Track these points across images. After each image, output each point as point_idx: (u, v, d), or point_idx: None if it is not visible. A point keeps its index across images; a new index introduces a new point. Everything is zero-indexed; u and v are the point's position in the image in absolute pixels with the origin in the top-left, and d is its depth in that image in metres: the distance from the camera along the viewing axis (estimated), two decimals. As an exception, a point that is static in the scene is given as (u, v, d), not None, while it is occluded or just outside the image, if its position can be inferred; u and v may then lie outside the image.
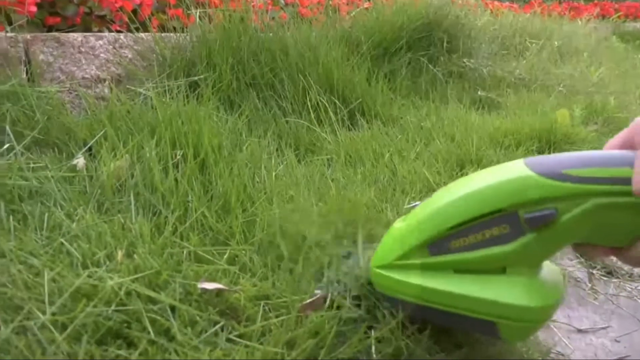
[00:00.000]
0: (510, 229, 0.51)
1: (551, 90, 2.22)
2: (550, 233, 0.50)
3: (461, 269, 0.55)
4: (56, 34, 1.23)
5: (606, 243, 0.51)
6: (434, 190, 1.13)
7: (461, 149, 1.34)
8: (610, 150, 0.50)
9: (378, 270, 0.60)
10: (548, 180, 0.49)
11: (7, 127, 0.82)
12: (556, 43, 2.74)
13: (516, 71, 2.34)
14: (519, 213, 0.50)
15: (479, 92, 2.06)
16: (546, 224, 0.49)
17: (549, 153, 1.46)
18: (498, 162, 1.29)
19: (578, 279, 1.01)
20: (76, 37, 1.25)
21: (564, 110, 1.62)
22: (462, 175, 1.20)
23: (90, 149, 0.96)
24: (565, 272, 1.00)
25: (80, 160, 0.89)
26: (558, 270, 0.62)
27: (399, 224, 0.61)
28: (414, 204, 0.61)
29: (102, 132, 0.96)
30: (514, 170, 0.51)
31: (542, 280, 0.55)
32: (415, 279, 0.57)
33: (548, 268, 0.59)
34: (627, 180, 0.45)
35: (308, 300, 0.62)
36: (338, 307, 0.62)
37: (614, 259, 1.06)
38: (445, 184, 1.17)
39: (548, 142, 1.48)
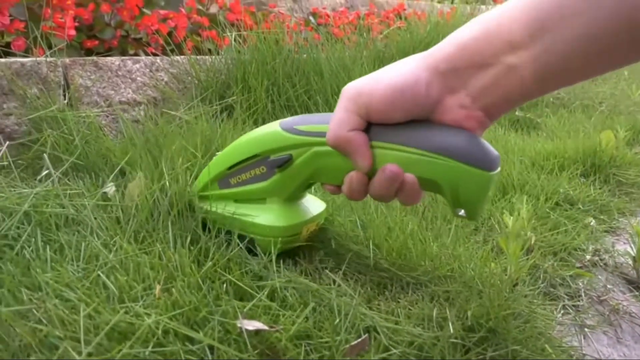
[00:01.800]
0: (265, 169, 0.71)
1: (592, 110, 2.15)
2: (290, 172, 0.69)
3: (239, 199, 0.76)
4: (94, 57, 1.24)
5: (330, 181, 0.68)
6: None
7: (502, 173, 1.29)
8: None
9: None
10: (285, 133, 0.67)
11: (46, 154, 0.82)
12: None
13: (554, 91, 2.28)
14: (270, 157, 0.69)
15: (517, 112, 2.01)
16: (285, 166, 0.68)
17: (594, 177, 1.40)
18: (542, 188, 1.25)
19: (633, 314, 0.95)
20: (114, 61, 1.26)
21: (608, 131, 1.55)
22: (505, 201, 1.16)
23: (124, 174, 0.95)
24: (616, 305, 0.95)
25: (111, 187, 0.88)
26: (319, 203, 0.83)
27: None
28: (217, 153, 0.78)
29: (134, 157, 0.94)
30: (270, 127, 0.70)
31: (292, 207, 0.75)
32: (209, 205, 0.77)
33: (310, 200, 0.81)
34: None
35: (353, 342, 0.58)
36: (385, 350, 0.59)
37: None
38: (487, 209, 1.13)
39: (593, 166, 1.42)
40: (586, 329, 0.85)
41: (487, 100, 0.52)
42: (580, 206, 1.21)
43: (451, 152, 0.54)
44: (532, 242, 0.99)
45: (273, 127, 0.69)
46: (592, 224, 1.16)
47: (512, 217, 0.89)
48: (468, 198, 0.57)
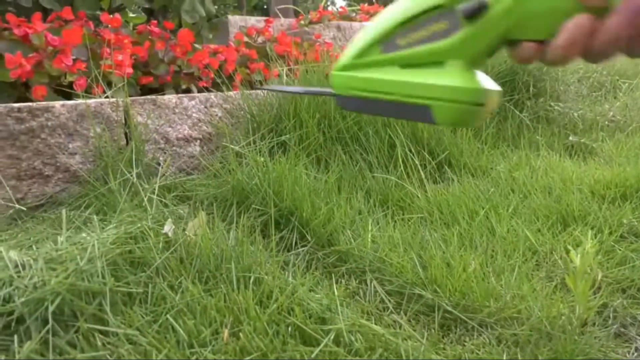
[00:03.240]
0: (448, 24, 0.56)
1: (650, 134, 2.08)
2: (483, 25, 0.54)
3: (407, 64, 0.61)
4: (153, 96, 1.28)
5: (536, 35, 0.53)
6: (535, 252, 1.07)
7: (561, 204, 1.25)
8: None
9: (335, 72, 0.65)
10: None
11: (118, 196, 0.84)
12: (652, 82, 2.58)
13: (609, 113, 2.21)
14: (455, 8, 0.55)
15: (571, 138, 1.95)
16: (477, 16, 0.53)
17: (659, 206, 1.34)
18: (605, 219, 1.20)
19: None
20: (171, 98, 1.30)
21: (671, 157, 1.49)
22: (567, 235, 1.12)
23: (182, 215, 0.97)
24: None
25: (170, 227, 0.90)
26: (493, 81, 0.64)
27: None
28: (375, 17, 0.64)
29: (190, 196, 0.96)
30: None
31: (477, 74, 0.60)
32: (366, 73, 0.63)
33: (487, 79, 0.63)
34: None
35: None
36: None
37: None
38: (549, 243, 1.09)
39: (657, 195, 1.36)
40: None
41: None
42: (647, 238, 1.16)
43: None
44: (599, 278, 0.96)
45: None
46: (660, 257, 1.11)
47: (578, 254, 0.86)
48: None
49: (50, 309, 0.61)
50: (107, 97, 1.22)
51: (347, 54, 0.65)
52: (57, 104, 1.10)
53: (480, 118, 0.61)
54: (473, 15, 0.54)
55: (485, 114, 0.62)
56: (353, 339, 0.66)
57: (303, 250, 0.95)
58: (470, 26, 0.55)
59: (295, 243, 0.96)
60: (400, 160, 1.40)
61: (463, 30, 0.56)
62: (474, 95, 0.59)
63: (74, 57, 1.46)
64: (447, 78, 0.59)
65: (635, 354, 0.83)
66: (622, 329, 0.88)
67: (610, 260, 1.03)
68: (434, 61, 0.60)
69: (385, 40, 0.62)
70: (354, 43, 0.64)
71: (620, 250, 1.06)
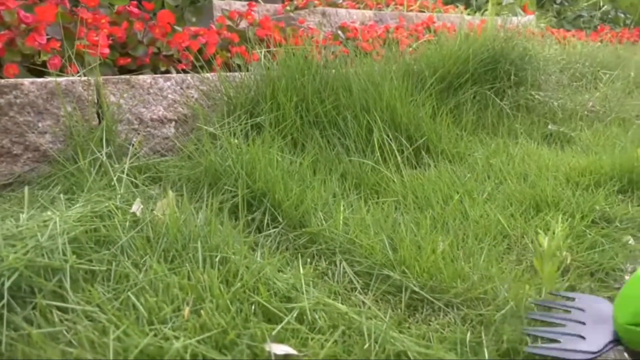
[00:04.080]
0: None
1: (628, 124, 2.09)
2: None
3: None
4: (127, 76, 1.26)
5: None
6: (507, 236, 1.07)
7: (535, 190, 1.26)
8: None
9: (632, 327, 0.55)
10: None
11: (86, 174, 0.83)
12: (632, 74, 2.60)
13: (589, 103, 2.22)
14: None
15: (550, 126, 1.96)
16: None
17: (632, 194, 1.35)
18: (577, 205, 1.21)
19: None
20: (145, 79, 1.28)
21: (646, 146, 1.51)
22: (539, 219, 1.12)
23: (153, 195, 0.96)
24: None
25: (138, 206, 0.89)
26: None
27: None
28: None
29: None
30: None
31: None
32: None
33: None
34: None
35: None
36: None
37: None
38: (520, 228, 1.10)
39: (631, 183, 1.37)
40: (626, 354, 0.82)
41: None
42: (618, 224, 1.17)
43: None
44: (568, 261, 0.96)
45: None
46: (630, 242, 1.12)
47: (547, 237, 0.87)
48: None
49: (7, 284, 0.60)
50: (79, 76, 1.20)
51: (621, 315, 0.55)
52: (26, 81, 1.08)
53: None
54: None
55: None
56: (317, 316, 0.66)
57: (274, 232, 0.94)
58: None
59: (267, 225, 0.96)
60: (377, 145, 1.39)
61: None
62: None
63: (48, 36, 1.43)
64: None
65: (600, 336, 0.84)
66: (588, 312, 0.88)
67: (580, 245, 1.03)
68: None
69: None
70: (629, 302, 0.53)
71: (590, 235, 1.07)
